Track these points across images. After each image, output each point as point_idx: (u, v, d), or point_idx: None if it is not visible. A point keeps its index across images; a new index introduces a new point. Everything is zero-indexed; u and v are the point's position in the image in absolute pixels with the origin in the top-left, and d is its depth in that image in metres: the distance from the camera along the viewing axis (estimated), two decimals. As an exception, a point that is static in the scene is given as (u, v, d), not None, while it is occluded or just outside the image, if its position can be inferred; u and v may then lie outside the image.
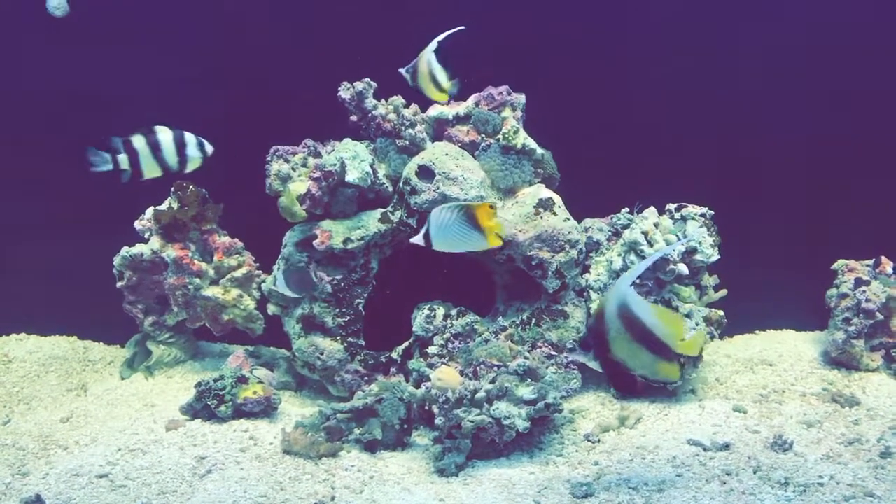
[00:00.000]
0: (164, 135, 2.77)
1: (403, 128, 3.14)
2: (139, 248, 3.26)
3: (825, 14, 3.37)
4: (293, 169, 3.13)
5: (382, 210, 3.12)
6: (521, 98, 3.22)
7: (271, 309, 3.22)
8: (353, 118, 3.17)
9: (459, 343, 3.02)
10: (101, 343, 3.61)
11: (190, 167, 2.83)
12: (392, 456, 2.65)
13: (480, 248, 2.59)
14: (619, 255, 3.10)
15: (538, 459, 2.59)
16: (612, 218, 3.29)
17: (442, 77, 2.71)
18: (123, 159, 2.76)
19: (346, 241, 3.05)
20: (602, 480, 2.39)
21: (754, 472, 2.36)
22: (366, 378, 3.09)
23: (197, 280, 3.23)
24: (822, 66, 3.37)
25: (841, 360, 3.18)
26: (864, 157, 3.43)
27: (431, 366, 2.95)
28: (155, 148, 2.76)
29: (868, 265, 3.27)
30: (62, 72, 3.38)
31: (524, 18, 3.42)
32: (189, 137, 2.79)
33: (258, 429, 2.78)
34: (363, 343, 3.14)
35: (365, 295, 3.15)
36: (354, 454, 2.63)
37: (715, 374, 3.17)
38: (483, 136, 3.18)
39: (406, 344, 3.15)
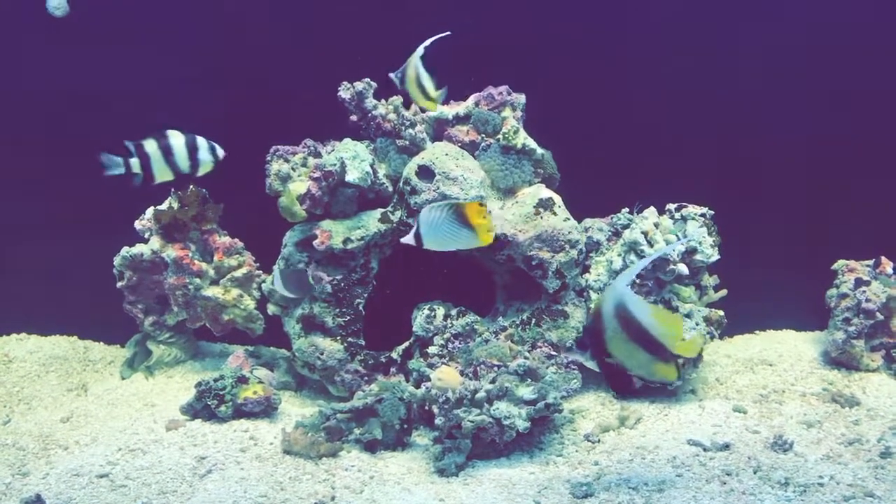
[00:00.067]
0: (176, 139, 2.80)
1: (403, 128, 3.14)
2: (139, 248, 3.26)
3: (825, 14, 3.37)
4: (293, 169, 3.13)
5: (382, 210, 3.12)
6: (521, 98, 3.22)
7: (271, 309, 3.22)
8: (353, 118, 3.18)
9: (459, 343, 3.02)
10: (102, 343, 3.61)
11: (201, 171, 2.86)
12: (392, 456, 2.65)
13: (472, 245, 2.58)
14: (619, 255, 3.10)
15: (538, 459, 2.59)
16: (612, 218, 3.29)
17: (429, 85, 2.68)
18: (135, 163, 2.78)
19: (346, 241, 3.05)
20: (602, 480, 2.39)
21: (754, 473, 2.36)
22: (366, 378, 3.09)
23: (197, 280, 3.23)
24: (822, 66, 3.38)
25: (841, 361, 3.18)
26: (864, 157, 3.43)
27: (431, 366, 2.95)
28: (167, 152, 2.79)
29: (868, 265, 3.27)
30: (62, 72, 3.38)
31: (524, 18, 3.42)
32: (201, 142, 2.82)
33: (258, 429, 2.78)
34: (363, 343, 3.14)
35: (365, 295, 3.15)
36: (354, 454, 2.63)
37: (715, 374, 3.18)
38: (483, 136, 3.18)
39: (406, 344, 3.15)
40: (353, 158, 3.03)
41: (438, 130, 3.24)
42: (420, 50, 2.64)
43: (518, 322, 3.09)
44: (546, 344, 3.02)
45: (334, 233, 3.05)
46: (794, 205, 3.52)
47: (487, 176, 3.11)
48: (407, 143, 3.15)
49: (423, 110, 3.18)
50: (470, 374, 2.79)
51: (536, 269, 3.04)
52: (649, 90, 3.42)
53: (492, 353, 2.86)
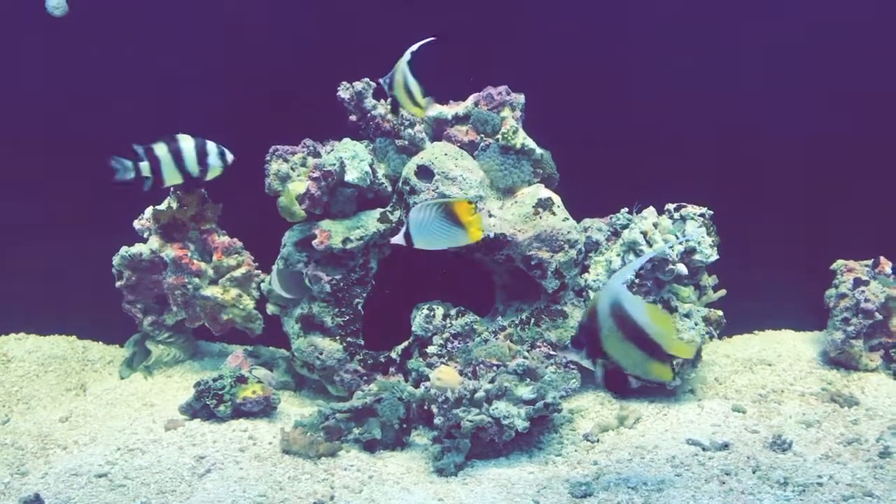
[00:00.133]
0: (186, 143, 2.83)
1: (403, 128, 3.14)
2: (138, 248, 3.26)
3: (825, 14, 3.37)
4: (292, 169, 3.13)
5: (382, 210, 3.12)
6: (520, 98, 3.22)
7: (270, 309, 3.22)
8: (353, 118, 3.18)
9: (459, 343, 3.02)
10: (101, 343, 3.61)
11: (210, 175, 2.90)
12: (391, 455, 2.65)
13: (462, 242, 2.56)
14: (618, 255, 3.10)
15: (537, 459, 2.59)
16: (611, 218, 3.29)
17: (416, 90, 2.67)
18: (145, 167, 2.81)
19: (346, 240, 3.05)
20: (601, 480, 2.39)
21: (753, 472, 2.36)
22: (365, 378, 3.09)
23: (196, 280, 3.23)
24: (822, 66, 3.38)
25: (840, 360, 3.18)
26: (864, 157, 3.43)
27: (431, 365, 2.95)
28: (177, 156, 2.81)
29: (867, 265, 3.27)
30: (62, 72, 3.38)
31: (524, 18, 3.42)
32: (211, 146, 2.86)
33: (257, 428, 2.78)
34: (362, 343, 3.14)
35: (364, 295, 3.14)
36: (353, 454, 2.63)
37: (714, 374, 3.17)
38: (482, 135, 3.18)
39: (405, 344, 3.15)
40: (353, 158, 3.03)
41: (438, 130, 3.24)
42: (407, 55, 2.63)
43: (517, 322, 3.09)
44: (545, 344, 3.01)
45: (333, 233, 3.05)
46: (793, 205, 3.52)
47: (486, 176, 3.11)
48: (406, 142, 3.15)
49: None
50: (469, 374, 2.78)
51: (535, 268, 3.04)
52: (649, 90, 3.42)
53: (491, 352, 2.86)
